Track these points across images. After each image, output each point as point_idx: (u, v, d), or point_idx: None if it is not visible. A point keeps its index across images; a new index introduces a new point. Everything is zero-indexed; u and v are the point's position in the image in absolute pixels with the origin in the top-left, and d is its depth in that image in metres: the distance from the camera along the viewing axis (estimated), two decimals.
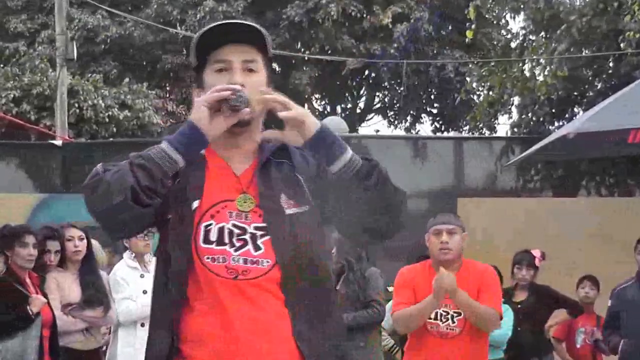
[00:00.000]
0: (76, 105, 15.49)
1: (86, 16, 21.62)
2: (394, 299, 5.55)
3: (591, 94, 14.30)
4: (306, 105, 24.15)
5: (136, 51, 22.55)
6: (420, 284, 5.32)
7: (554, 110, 14.64)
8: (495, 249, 9.10)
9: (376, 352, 7.40)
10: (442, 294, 5.15)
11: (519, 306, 7.62)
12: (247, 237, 2.70)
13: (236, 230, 2.70)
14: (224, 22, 2.81)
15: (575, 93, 14.60)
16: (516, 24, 49.54)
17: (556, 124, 14.44)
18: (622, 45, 12.45)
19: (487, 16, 18.68)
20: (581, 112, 13.82)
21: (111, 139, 15.29)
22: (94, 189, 2.63)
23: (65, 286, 6.65)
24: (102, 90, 16.35)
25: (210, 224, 2.70)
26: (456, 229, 5.38)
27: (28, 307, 6.01)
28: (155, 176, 2.60)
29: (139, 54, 22.71)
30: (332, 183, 2.71)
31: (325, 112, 25.43)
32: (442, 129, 25.45)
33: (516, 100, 15.61)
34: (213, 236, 2.69)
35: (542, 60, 14.34)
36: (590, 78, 14.59)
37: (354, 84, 25.74)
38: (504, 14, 16.88)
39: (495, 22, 20.90)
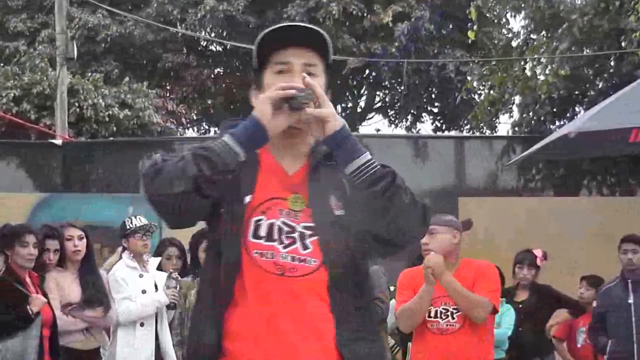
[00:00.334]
0: (76, 104, 15.46)
1: (86, 15, 21.61)
2: (396, 301, 5.58)
3: (592, 93, 14.28)
4: None
5: (136, 50, 22.54)
6: (420, 284, 5.32)
7: (555, 110, 14.62)
8: (496, 248, 9.09)
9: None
10: (431, 277, 5.19)
11: (520, 306, 7.62)
12: (295, 235, 2.73)
13: (286, 228, 2.73)
14: (287, 24, 2.83)
15: (577, 92, 14.58)
16: (517, 23, 49.54)
17: (557, 123, 14.43)
18: (623, 44, 12.44)
19: (488, 15, 18.66)
20: (582, 112, 13.80)
21: (111, 138, 15.27)
22: (154, 178, 2.64)
23: (64, 286, 6.64)
24: (102, 90, 16.32)
25: (260, 219, 2.74)
26: (437, 229, 5.37)
27: (28, 307, 6.01)
28: (218, 168, 2.61)
29: (139, 53, 22.71)
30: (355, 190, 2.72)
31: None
32: (443, 128, 25.44)
33: (517, 99, 15.59)
34: (262, 231, 2.73)
35: (543, 60, 14.32)
36: (591, 77, 14.57)
37: (355, 83, 25.72)
38: (505, 13, 16.88)
39: (496, 21, 20.90)
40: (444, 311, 5.33)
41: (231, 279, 2.70)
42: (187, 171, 2.59)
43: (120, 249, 7.50)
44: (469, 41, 17.51)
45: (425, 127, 26.64)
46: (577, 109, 14.82)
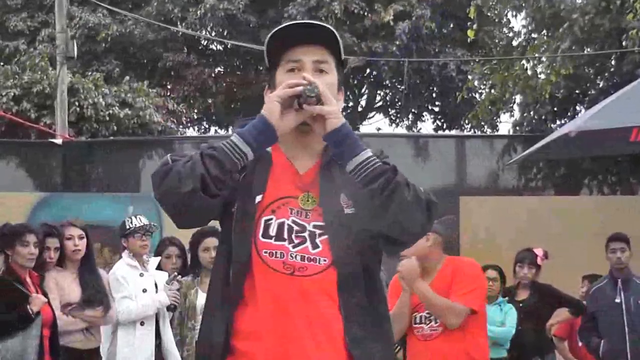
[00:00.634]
0: (76, 103, 15.44)
1: (87, 14, 21.61)
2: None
3: (593, 92, 14.28)
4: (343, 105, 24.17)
5: (137, 49, 22.54)
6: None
7: (556, 109, 14.62)
8: (497, 247, 9.09)
9: None
10: (404, 285, 5.24)
11: (521, 305, 7.62)
12: (305, 234, 2.73)
13: (295, 227, 2.74)
14: (296, 22, 2.84)
15: (578, 91, 14.58)
16: (518, 22, 49.54)
17: (558, 122, 14.43)
18: (624, 43, 12.43)
19: (488, 14, 18.66)
20: (583, 111, 13.80)
21: (112, 138, 15.25)
22: (163, 177, 2.67)
23: (64, 285, 6.62)
24: (103, 89, 16.31)
25: (270, 219, 2.74)
26: None
27: (28, 307, 5.99)
28: (225, 167, 2.63)
29: (139, 53, 22.70)
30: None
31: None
32: (444, 127, 25.43)
33: (518, 98, 15.59)
34: (272, 231, 2.73)
35: (544, 59, 14.32)
36: (592, 76, 14.57)
37: (356, 82, 25.70)
38: (506, 12, 16.87)
39: (497, 20, 20.89)
40: (427, 316, 5.34)
41: (241, 278, 2.71)
42: (196, 170, 2.60)
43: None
44: (470, 40, 17.51)
45: (426, 126, 26.69)
46: (578, 108, 14.82)
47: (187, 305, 7.05)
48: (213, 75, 22.99)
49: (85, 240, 6.81)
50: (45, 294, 6.25)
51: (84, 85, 15.88)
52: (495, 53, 19.85)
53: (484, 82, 16.73)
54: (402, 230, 2.69)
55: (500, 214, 10.15)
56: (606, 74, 14.50)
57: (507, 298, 7.63)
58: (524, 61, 14.74)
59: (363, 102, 26.77)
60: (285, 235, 2.72)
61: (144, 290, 6.96)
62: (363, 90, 26.53)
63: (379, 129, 26.67)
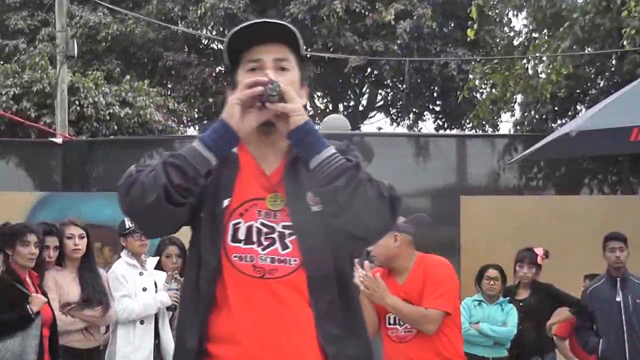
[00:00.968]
0: (77, 102, 15.44)
1: (87, 13, 21.60)
2: None
3: (594, 91, 14.29)
4: (308, 103, 24.14)
5: (137, 49, 22.53)
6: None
7: (556, 108, 14.62)
8: (498, 246, 9.07)
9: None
10: (376, 301, 5.20)
11: (521, 304, 7.63)
12: (275, 235, 2.72)
13: (264, 229, 2.73)
14: (254, 21, 2.81)
15: (578, 91, 14.59)
16: (519, 21, 49.57)
17: (559, 121, 14.43)
18: (625, 43, 12.42)
19: (490, 14, 18.65)
20: (584, 110, 13.80)
21: (112, 137, 15.25)
22: (128, 190, 2.65)
23: (63, 285, 6.62)
24: (103, 88, 16.30)
25: (238, 222, 2.73)
26: None
27: (28, 306, 5.98)
28: (188, 174, 2.61)
29: (140, 52, 22.69)
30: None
31: (328, 110, 25.41)
32: (445, 126, 25.43)
33: (519, 98, 15.59)
34: (241, 235, 2.72)
35: (544, 58, 14.32)
36: (592, 76, 14.57)
37: (357, 81, 25.71)
38: (507, 12, 16.86)
39: (498, 20, 20.88)
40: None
41: (212, 283, 2.69)
42: (158, 180, 2.59)
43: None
44: (470, 40, 17.51)
45: (427, 125, 26.67)
46: (578, 107, 14.83)
47: None
48: (214, 74, 22.98)
49: (85, 239, 6.81)
50: (44, 294, 6.24)
51: (84, 85, 15.88)
52: (496, 52, 19.87)
53: (485, 82, 16.72)
54: (365, 227, 2.67)
55: (500, 214, 10.12)
56: (607, 74, 14.51)
57: (508, 298, 7.63)
58: (524, 61, 14.74)
59: (364, 102, 26.78)
60: (254, 238, 2.71)
61: (144, 289, 6.97)
62: (364, 89, 26.53)
63: (380, 128, 26.69)
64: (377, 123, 27.27)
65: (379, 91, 26.38)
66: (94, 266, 6.96)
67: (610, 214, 9.73)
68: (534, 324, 7.65)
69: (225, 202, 2.73)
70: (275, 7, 22.14)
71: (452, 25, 23.65)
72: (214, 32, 22.39)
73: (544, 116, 14.59)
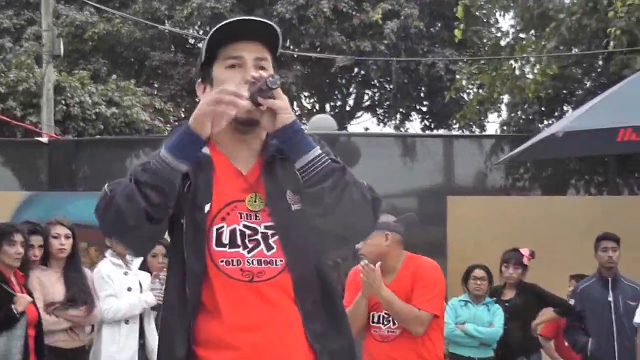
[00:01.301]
0: (63, 102, 15.40)
1: (73, 12, 21.54)
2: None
3: (580, 92, 14.32)
4: (295, 103, 24.11)
5: (124, 48, 22.48)
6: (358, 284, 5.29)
7: (543, 109, 14.66)
8: (485, 247, 9.06)
9: None
10: (368, 289, 5.15)
11: (507, 305, 7.62)
12: (258, 237, 2.69)
13: (247, 231, 2.69)
14: (240, 18, 2.76)
15: (565, 91, 14.62)
16: (506, 22, 49.67)
17: (546, 122, 14.47)
18: (611, 43, 12.46)
19: (477, 14, 18.68)
20: (570, 111, 13.84)
21: (98, 137, 15.21)
22: (105, 214, 2.61)
23: (48, 285, 6.60)
24: (89, 87, 16.26)
25: (221, 227, 2.69)
26: None
27: (13, 307, 5.96)
28: (164, 190, 2.56)
29: (126, 51, 22.64)
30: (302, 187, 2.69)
31: (314, 109, 25.40)
32: (432, 127, 25.45)
33: (506, 98, 15.62)
34: (225, 239, 2.68)
35: (531, 59, 14.34)
36: (579, 77, 14.61)
37: (344, 81, 25.70)
38: (494, 12, 16.90)
39: (485, 20, 20.91)
40: (386, 316, 5.27)
41: (198, 288, 2.66)
42: (135, 204, 2.54)
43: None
44: (458, 40, 17.53)
45: (414, 125, 26.65)
46: (565, 108, 14.86)
47: None
48: None
49: (71, 239, 6.79)
50: (30, 293, 6.22)
51: (71, 84, 15.83)
52: (483, 53, 19.89)
53: (472, 82, 16.75)
54: (350, 228, 2.71)
55: (487, 214, 10.13)
56: (593, 74, 14.55)
57: (495, 298, 7.64)
58: (511, 61, 14.77)
59: (351, 102, 26.77)
60: (239, 242, 2.68)
61: (129, 289, 6.95)
62: (351, 89, 26.53)
63: (367, 128, 26.70)
64: (364, 123, 27.33)
65: (366, 91, 26.39)
66: (79, 266, 6.94)
67: (596, 215, 9.74)
68: (520, 324, 7.65)
69: (207, 208, 2.68)
70: (262, 6, 22.12)
71: (440, 25, 23.68)
72: (201, 32, 22.36)
73: (530, 117, 14.63)
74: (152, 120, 17.77)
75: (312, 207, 2.64)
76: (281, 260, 2.68)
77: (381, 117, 26.39)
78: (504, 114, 17.17)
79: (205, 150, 2.72)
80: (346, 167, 2.66)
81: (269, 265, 2.67)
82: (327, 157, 2.63)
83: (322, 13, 20.76)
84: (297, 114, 23.40)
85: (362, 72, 24.49)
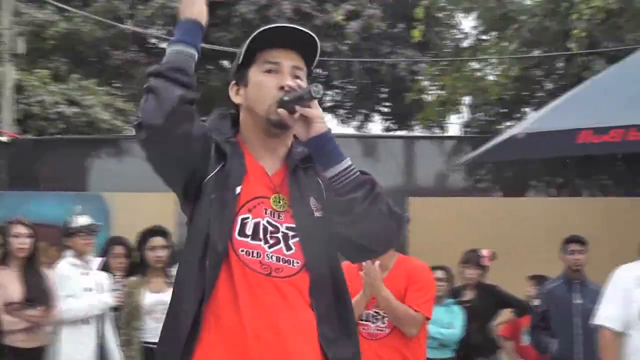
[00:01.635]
0: (23, 101, 15.27)
1: (34, 11, 21.35)
2: None
3: (541, 94, 14.41)
4: None
5: (85, 47, 22.31)
6: (355, 280, 5.29)
7: (504, 110, 14.74)
8: (445, 248, 9.09)
9: None
10: (369, 289, 5.17)
11: (467, 305, 7.66)
12: (279, 235, 2.74)
13: (270, 228, 2.74)
14: (284, 25, 2.82)
15: (526, 93, 14.71)
16: (468, 23, 49.85)
17: (507, 123, 14.55)
18: (572, 45, 12.55)
19: (439, 15, 18.76)
20: (531, 112, 13.92)
21: (59, 136, 15.10)
22: (145, 109, 2.62)
23: (6, 284, 6.57)
24: (50, 86, 16.14)
25: (247, 218, 2.73)
26: None
27: None
28: (187, 70, 2.66)
29: (88, 50, 22.48)
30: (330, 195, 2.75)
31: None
32: (394, 127, 25.48)
33: (467, 99, 15.69)
34: (249, 230, 2.72)
35: (493, 61, 14.42)
36: (540, 78, 14.70)
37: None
38: (456, 14, 16.98)
39: (447, 22, 20.99)
40: (375, 314, 5.28)
41: (216, 269, 2.66)
42: (168, 88, 2.59)
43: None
44: (419, 41, 17.59)
45: (376, 126, 26.68)
46: (526, 109, 14.96)
47: (135, 304, 7.01)
48: None
49: (32, 239, 6.75)
50: None
51: (31, 83, 15.70)
52: (445, 54, 19.97)
53: (434, 83, 16.81)
54: (374, 239, 2.77)
55: (448, 215, 10.18)
56: (554, 76, 14.65)
57: (457, 299, 7.67)
58: (473, 62, 14.85)
59: None
60: (261, 235, 2.72)
61: (88, 289, 6.93)
62: None
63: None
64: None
65: (328, 92, 26.40)
66: (39, 266, 6.91)
67: (556, 216, 9.82)
68: (479, 325, 7.70)
69: (237, 190, 2.72)
70: (224, 6, 22.05)
71: (402, 26, 23.72)
72: (163, 31, 22.25)
73: (492, 118, 14.71)
74: (114, 119, 17.66)
75: (341, 216, 2.69)
76: (298, 262, 2.72)
77: (343, 118, 26.41)
78: (466, 115, 17.25)
79: (237, 143, 2.81)
80: (375, 180, 2.75)
81: (286, 264, 2.71)
82: (356, 169, 2.72)
83: (284, 14, 20.72)
84: None
85: (324, 72, 24.49)
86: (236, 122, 2.92)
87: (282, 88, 2.75)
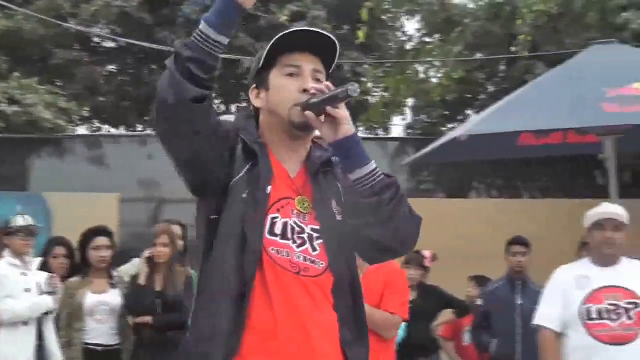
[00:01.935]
0: None
1: None
2: None
3: (484, 97, 14.53)
4: None
5: (27, 45, 22.07)
6: None
7: (447, 112, 14.84)
8: None
9: None
10: None
11: (409, 306, 7.69)
12: (305, 236, 2.77)
13: (297, 228, 2.77)
14: (306, 28, 2.86)
15: (469, 96, 14.81)
16: (412, 26, 50.04)
17: (449, 125, 14.65)
18: (514, 49, 12.67)
19: (383, 18, 18.82)
20: (474, 115, 14.03)
21: (0, 135, 14.92)
22: (162, 84, 2.59)
23: None
24: None
25: (276, 217, 2.75)
26: None
27: None
28: (207, 63, 2.62)
29: (29, 49, 22.24)
30: (353, 198, 2.75)
31: (219, 110, 25.32)
32: None
33: (411, 101, 15.75)
34: (278, 229, 2.74)
35: (437, 63, 14.51)
36: (483, 81, 14.82)
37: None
38: (400, 16, 17.04)
39: (391, 24, 21.07)
40: None
41: (252, 267, 2.66)
42: (174, 80, 2.56)
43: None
44: (363, 43, 17.64)
45: None
46: (468, 112, 15.07)
47: (75, 306, 6.96)
48: (105, 73, 22.67)
49: None
50: None
51: None
52: (389, 56, 20.04)
53: (378, 85, 16.87)
54: (400, 241, 2.81)
55: None
56: (496, 79, 14.78)
57: None
58: (417, 65, 14.92)
59: None
60: (290, 235, 2.74)
61: (27, 290, 6.86)
62: None
63: None
64: None
65: None
66: None
67: (497, 217, 9.91)
68: (421, 326, 7.73)
69: (268, 189, 2.74)
70: (169, 6, 21.94)
71: (347, 28, 23.78)
72: (107, 31, 22.09)
73: (435, 120, 14.80)
74: (56, 119, 17.48)
75: (368, 218, 2.70)
76: (322, 263, 2.75)
77: None
78: (409, 117, 17.33)
79: (265, 146, 2.82)
80: (399, 182, 2.77)
81: (313, 264, 2.74)
82: (380, 171, 2.73)
83: None
84: None
85: None
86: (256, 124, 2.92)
87: (304, 91, 2.77)
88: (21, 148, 12.47)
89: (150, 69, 21.49)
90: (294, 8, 21.22)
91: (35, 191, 11.26)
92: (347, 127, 2.71)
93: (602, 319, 5.49)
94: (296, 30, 2.83)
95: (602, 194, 8.00)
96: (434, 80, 14.35)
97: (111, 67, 22.78)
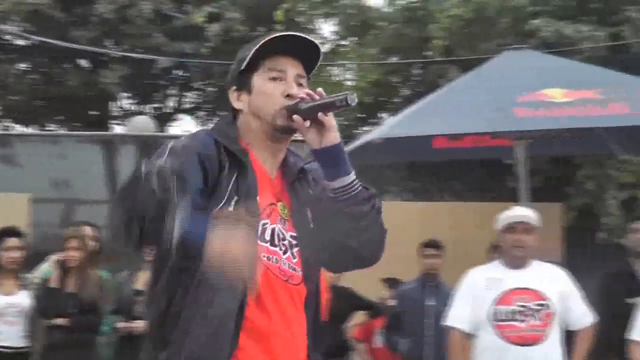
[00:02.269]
0: None
1: None
2: None
3: (398, 99, 14.62)
4: (115, 104, 23.77)
5: None
6: None
7: (362, 115, 14.90)
8: None
9: None
10: None
11: None
12: (286, 243, 2.77)
13: (280, 235, 2.76)
14: (293, 33, 2.82)
15: (383, 98, 14.90)
16: (328, 28, 50.18)
17: (364, 128, 14.71)
18: (428, 53, 12.79)
19: (299, 20, 18.85)
20: (388, 118, 14.11)
21: None
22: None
23: None
24: None
25: (266, 223, 2.73)
26: None
27: None
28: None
29: None
30: (326, 207, 2.75)
31: (132, 110, 25.09)
32: None
33: None
34: (267, 236, 2.73)
35: (352, 65, 14.57)
36: (397, 84, 14.92)
37: (165, 83, 25.48)
38: (316, 19, 17.07)
39: (307, 26, 21.13)
40: None
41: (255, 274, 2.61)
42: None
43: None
44: None
45: None
46: (383, 115, 15.15)
47: None
48: (16, 72, 22.31)
49: None
50: None
51: None
52: None
53: None
54: (375, 250, 2.85)
55: None
56: (411, 83, 14.89)
57: None
58: (332, 67, 14.96)
59: (171, 104, 26.57)
60: (277, 242, 2.74)
61: None
62: (172, 91, 26.33)
63: (187, 131, 26.47)
64: (185, 125, 27.12)
65: (188, 93, 26.24)
66: None
67: (410, 220, 9.99)
68: (333, 327, 7.76)
69: (258, 198, 2.71)
70: (83, 5, 21.68)
71: (262, 29, 23.77)
72: (20, 28, 21.74)
73: (350, 122, 14.85)
74: None
75: (347, 226, 2.71)
76: (299, 271, 2.75)
77: (203, 120, 26.29)
78: None
79: (243, 147, 2.77)
80: (376, 193, 2.81)
81: (294, 271, 2.74)
82: (359, 182, 2.74)
83: (143, 14, 20.49)
84: (116, 115, 23.19)
85: (184, 74, 24.35)
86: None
87: (288, 96, 2.76)
88: None
89: (62, 68, 21.20)
90: (210, 9, 21.14)
91: None
92: (335, 135, 2.71)
93: (511, 320, 5.58)
94: (283, 35, 2.81)
95: (514, 197, 8.13)
96: (349, 83, 14.40)
97: (22, 66, 22.40)
